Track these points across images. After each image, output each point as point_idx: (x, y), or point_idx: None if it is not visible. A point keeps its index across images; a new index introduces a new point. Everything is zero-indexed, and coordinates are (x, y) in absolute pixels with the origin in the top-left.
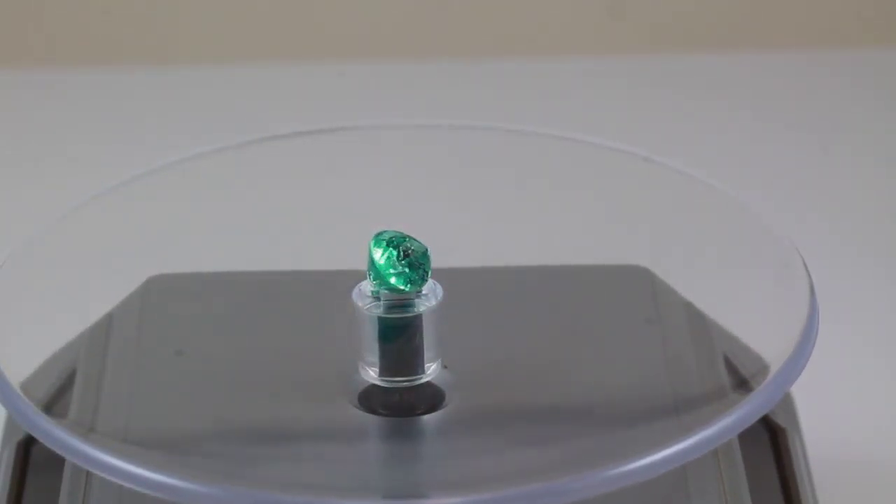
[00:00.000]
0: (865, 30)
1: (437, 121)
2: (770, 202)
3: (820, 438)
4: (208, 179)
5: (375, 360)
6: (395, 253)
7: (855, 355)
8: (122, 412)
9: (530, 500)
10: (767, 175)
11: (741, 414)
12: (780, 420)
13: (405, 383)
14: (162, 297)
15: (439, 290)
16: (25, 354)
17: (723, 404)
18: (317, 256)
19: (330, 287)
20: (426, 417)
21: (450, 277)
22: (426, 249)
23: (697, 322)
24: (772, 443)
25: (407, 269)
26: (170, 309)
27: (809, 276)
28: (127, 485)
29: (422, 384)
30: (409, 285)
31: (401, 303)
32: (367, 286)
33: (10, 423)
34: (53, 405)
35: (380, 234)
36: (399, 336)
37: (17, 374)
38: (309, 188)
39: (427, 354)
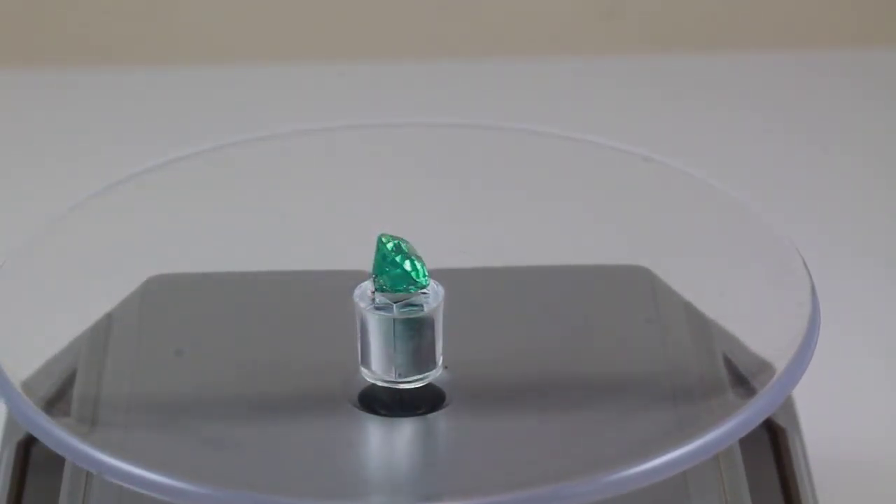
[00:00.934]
0: (865, 30)
1: (437, 120)
2: (770, 202)
3: (820, 439)
4: (208, 179)
5: (375, 359)
6: (399, 254)
7: (855, 355)
8: (122, 412)
9: None
10: (767, 175)
11: (743, 419)
12: (781, 420)
13: (405, 384)
14: (162, 297)
15: (440, 291)
16: (25, 354)
17: (724, 406)
18: (317, 256)
19: (330, 287)
20: (426, 418)
21: (451, 278)
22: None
23: (697, 322)
24: (772, 443)
25: (409, 269)
26: (170, 309)
27: (810, 276)
28: (126, 485)
29: (422, 385)
30: (411, 285)
31: (403, 303)
32: (369, 286)
33: (10, 423)
34: (54, 405)
35: (384, 235)
36: (399, 336)
37: (18, 374)
38: (309, 188)
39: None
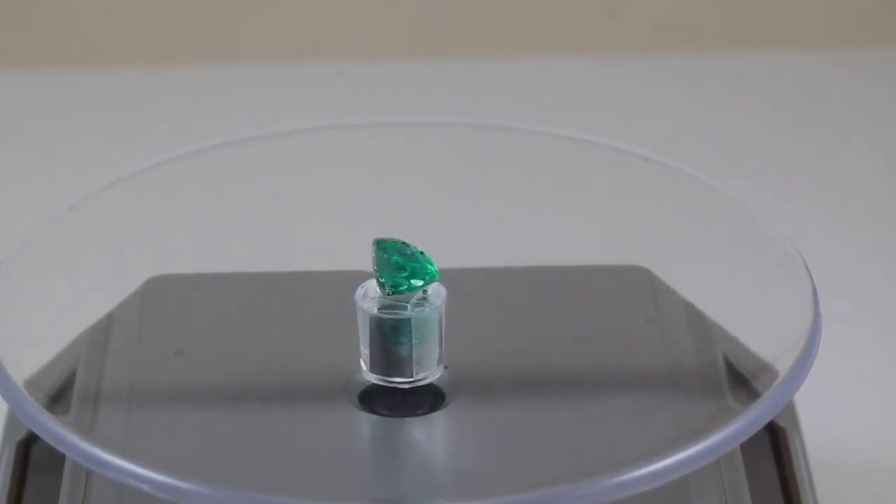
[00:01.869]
0: (865, 30)
1: (437, 120)
2: (770, 202)
3: (820, 439)
4: (208, 179)
5: (376, 360)
6: (400, 256)
7: (855, 355)
8: (122, 412)
9: None
10: (767, 175)
11: (745, 422)
12: (781, 420)
13: (406, 383)
14: (162, 297)
15: (442, 291)
16: (25, 354)
17: (724, 409)
18: (317, 256)
19: (330, 287)
20: (426, 418)
21: (451, 278)
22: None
23: (697, 322)
24: (772, 443)
25: (411, 268)
26: (170, 309)
27: (811, 277)
28: (127, 482)
29: (422, 384)
30: (412, 285)
31: (404, 303)
32: (370, 286)
33: (11, 423)
34: (55, 405)
35: (382, 238)
36: (400, 336)
37: (18, 374)
38: (309, 188)
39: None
